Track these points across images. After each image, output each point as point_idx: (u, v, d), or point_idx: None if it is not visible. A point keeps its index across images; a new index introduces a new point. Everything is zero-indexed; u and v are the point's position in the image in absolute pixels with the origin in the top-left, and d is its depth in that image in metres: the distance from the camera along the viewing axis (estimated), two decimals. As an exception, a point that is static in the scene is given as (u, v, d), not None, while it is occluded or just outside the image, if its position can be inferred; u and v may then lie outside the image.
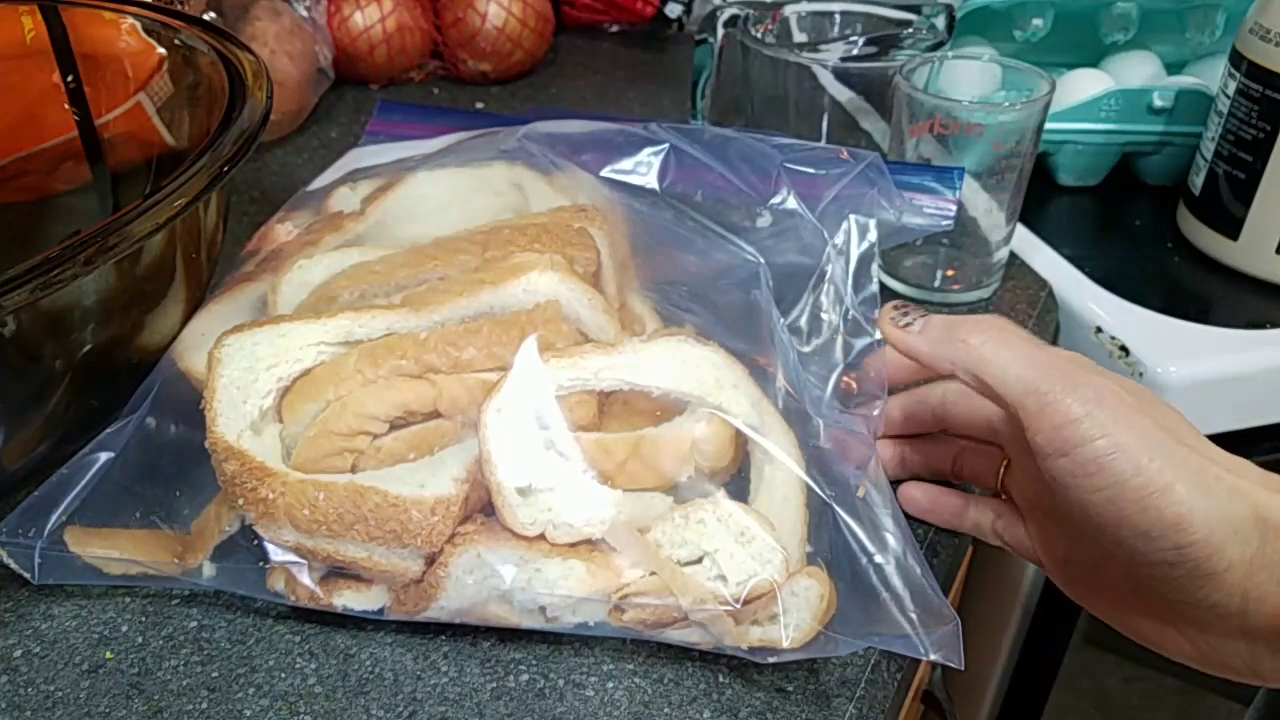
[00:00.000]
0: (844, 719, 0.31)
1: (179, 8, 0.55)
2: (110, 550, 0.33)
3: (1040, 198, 0.61)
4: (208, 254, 0.39)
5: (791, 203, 0.41)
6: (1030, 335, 0.32)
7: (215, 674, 0.32)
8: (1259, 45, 0.50)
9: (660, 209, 0.42)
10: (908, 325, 0.34)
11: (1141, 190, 0.63)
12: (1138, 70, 0.64)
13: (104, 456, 0.33)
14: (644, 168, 0.43)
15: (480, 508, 0.32)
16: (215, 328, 0.35)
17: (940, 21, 0.53)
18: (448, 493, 0.31)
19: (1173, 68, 0.65)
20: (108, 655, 0.33)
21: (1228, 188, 0.53)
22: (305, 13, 0.68)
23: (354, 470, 0.32)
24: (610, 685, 0.32)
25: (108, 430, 0.34)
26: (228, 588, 0.34)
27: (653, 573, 0.31)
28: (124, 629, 0.34)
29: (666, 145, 0.43)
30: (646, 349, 0.33)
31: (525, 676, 0.32)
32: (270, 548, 0.31)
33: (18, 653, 0.33)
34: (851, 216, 0.40)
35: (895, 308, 0.35)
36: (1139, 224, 0.60)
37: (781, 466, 0.33)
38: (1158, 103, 0.59)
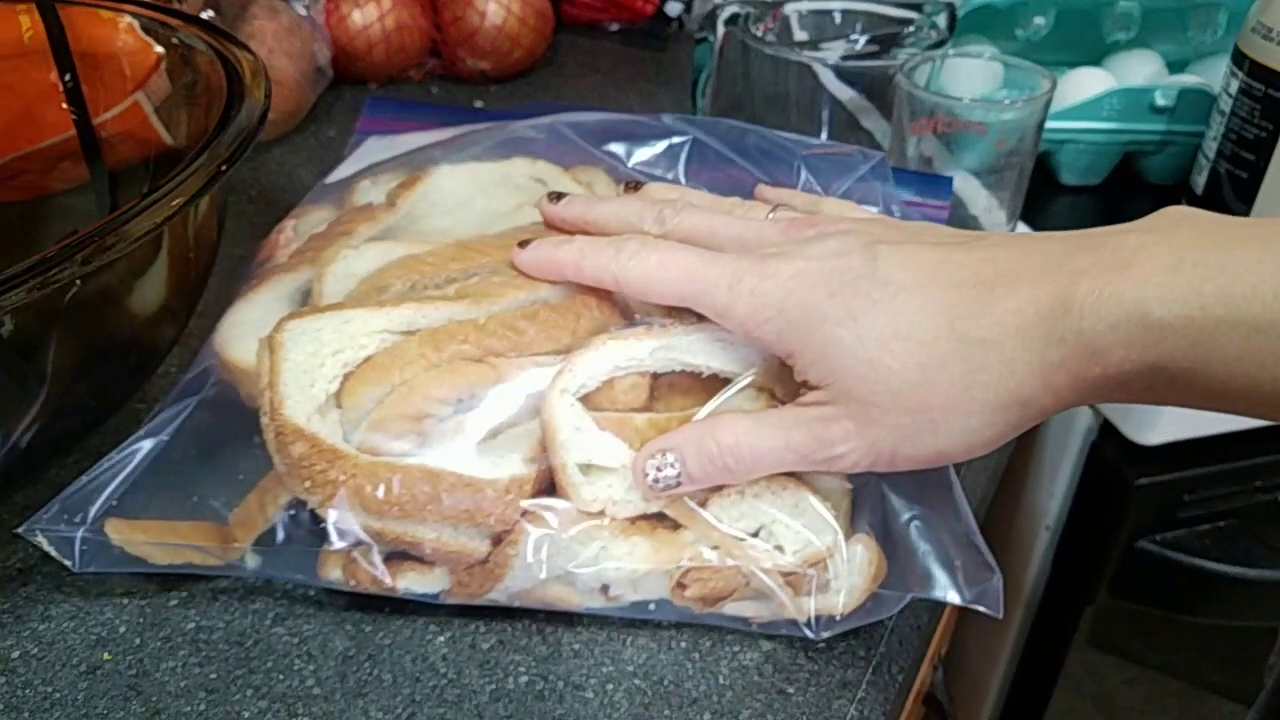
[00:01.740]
0: (845, 721, 0.31)
1: (177, 6, 0.54)
2: (152, 540, 0.33)
3: (1042, 197, 0.61)
4: (206, 254, 0.39)
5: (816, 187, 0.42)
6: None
7: (213, 675, 0.32)
8: (1261, 44, 0.50)
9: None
10: None
11: (1144, 189, 0.63)
12: (1140, 69, 0.64)
13: (148, 444, 0.33)
14: (668, 160, 0.44)
15: (544, 487, 0.32)
16: (254, 317, 0.36)
17: (942, 20, 0.53)
18: (520, 472, 0.31)
19: (1175, 67, 0.65)
20: (105, 656, 0.33)
21: (1230, 187, 0.53)
22: (303, 11, 0.68)
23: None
24: (610, 687, 0.32)
25: (151, 419, 0.34)
26: (275, 575, 0.34)
27: (714, 547, 0.32)
28: (122, 630, 0.33)
29: (690, 137, 0.44)
30: (697, 331, 0.33)
31: (524, 678, 0.32)
32: (334, 531, 0.31)
33: (15, 654, 0.33)
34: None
35: None
36: (1141, 223, 0.60)
37: None
38: (1160, 102, 0.58)
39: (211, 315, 0.48)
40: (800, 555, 0.31)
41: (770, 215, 0.35)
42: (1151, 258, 0.26)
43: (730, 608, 0.33)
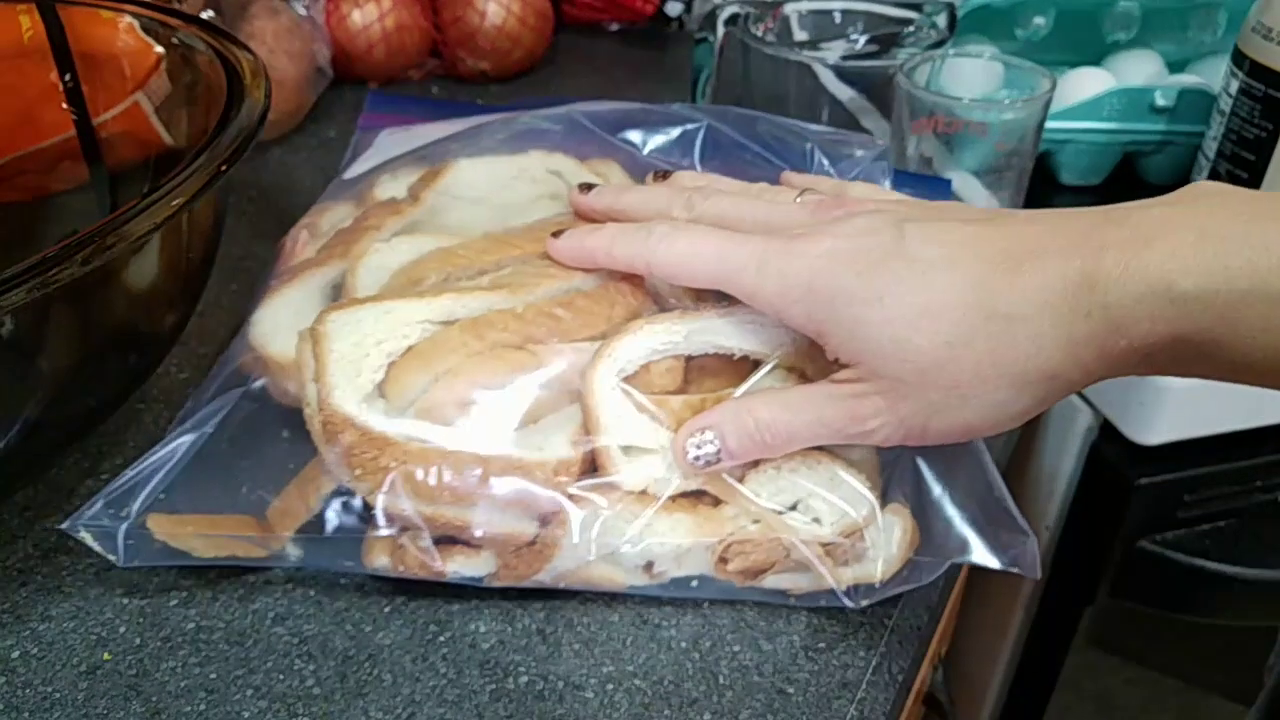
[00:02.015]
0: (845, 721, 0.31)
1: (177, 6, 0.54)
2: (196, 534, 0.33)
3: (1042, 197, 0.61)
4: (206, 254, 0.39)
5: (830, 169, 0.43)
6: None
7: (213, 675, 0.32)
8: (1261, 44, 0.50)
9: None
10: None
11: (1144, 189, 0.63)
12: (1140, 69, 0.64)
13: (190, 439, 0.33)
14: (683, 147, 0.44)
15: (587, 469, 0.33)
16: (288, 312, 0.36)
17: (942, 20, 0.53)
18: (567, 454, 0.32)
19: (1175, 66, 0.65)
20: (105, 656, 0.33)
21: (1230, 187, 0.53)
22: (303, 11, 0.68)
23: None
24: (610, 687, 0.32)
25: (192, 415, 0.34)
26: (318, 565, 0.34)
27: (754, 521, 0.33)
28: (122, 630, 0.33)
29: (703, 124, 0.44)
30: (730, 313, 0.34)
31: (525, 678, 0.32)
32: (383, 517, 0.32)
33: (15, 654, 0.33)
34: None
35: None
36: (1141, 223, 0.60)
37: None
38: (1160, 102, 0.58)
39: (211, 315, 0.48)
40: (837, 527, 0.32)
41: (798, 199, 0.35)
42: (1176, 231, 0.26)
43: (770, 581, 0.34)
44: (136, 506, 0.32)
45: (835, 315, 0.29)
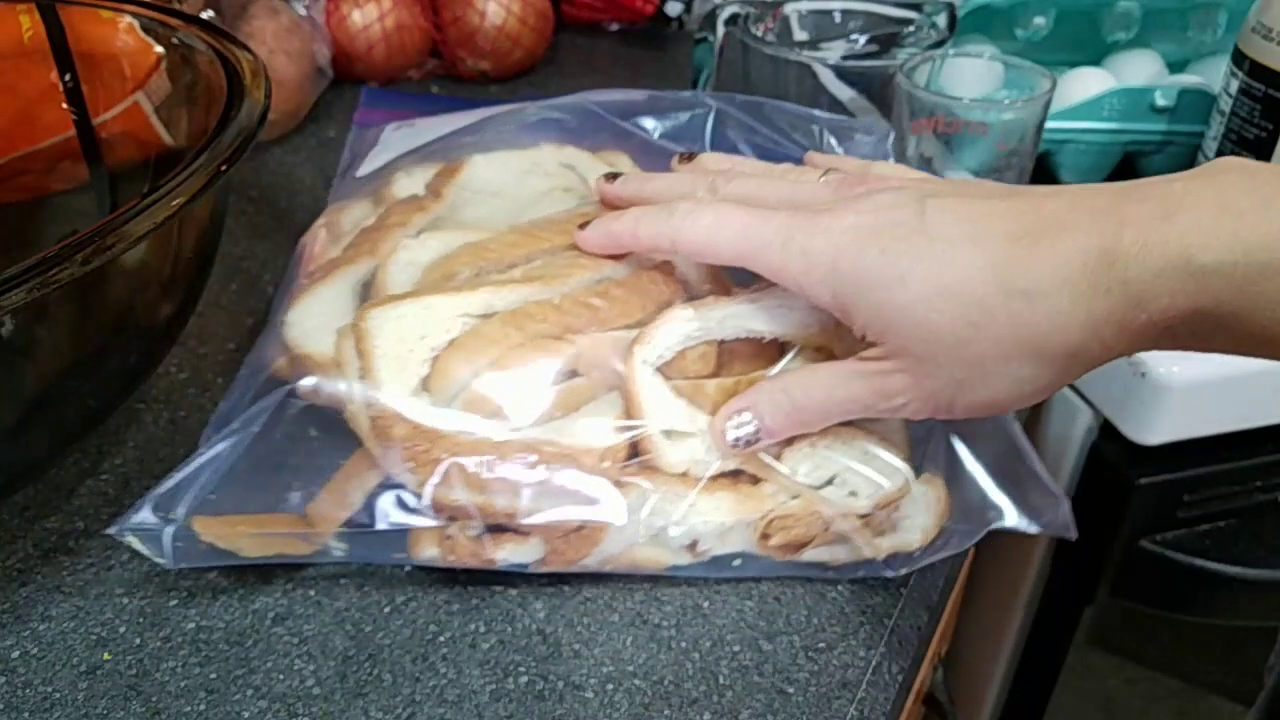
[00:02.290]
0: (845, 721, 0.31)
1: (177, 6, 0.54)
2: (241, 535, 0.33)
3: (1042, 197, 0.61)
4: (205, 254, 0.39)
5: (837, 148, 0.44)
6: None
7: (213, 675, 0.32)
8: (1261, 44, 0.50)
9: None
10: None
11: (1143, 189, 0.63)
12: (1140, 69, 0.64)
13: (233, 440, 0.33)
14: (694, 130, 0.45)
15: (630, 454, 0.34)
16: (322, 310, 0.37)
17: (942, 20, 0.53)
18: (612, 440, 0.33)
19: (1175, 66, 0.65)
20: (105, 656, 0.33)
21: (1230, 187, 0.53)
22: (303, 11, 0.67)
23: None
24: (610, 687, 0.32)
25: (233, 417, 0.34)
26: (364, 559, 0.34)
27: (793, 497, 0.34)
28: (121, 630, 0.33)
29: (713, 107, 0.45)
30: (759, 299, 0.35)
31: (525, 678, 0.32)
32: (434, 508, 0.32)
33: (15, 654, 0.33)
34: None
35: None
36: (1141, 223, 0.60)
37: None
38: (1160, 102, 0.58)
39: (211, 315, 0.48)
40: (873, 499, 0.34)
41: (822, 178, 0.36)
42: (1196, 204, 0.26)
43: (809, 554, 0.35)
44: (183, 509, 0.33)
45: (859, 295, 0.30)
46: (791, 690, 0.32)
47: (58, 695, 0.31)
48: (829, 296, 0.31)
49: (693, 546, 0.34)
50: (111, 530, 0.32)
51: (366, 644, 0.33)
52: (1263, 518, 0.59)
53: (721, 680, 0.32)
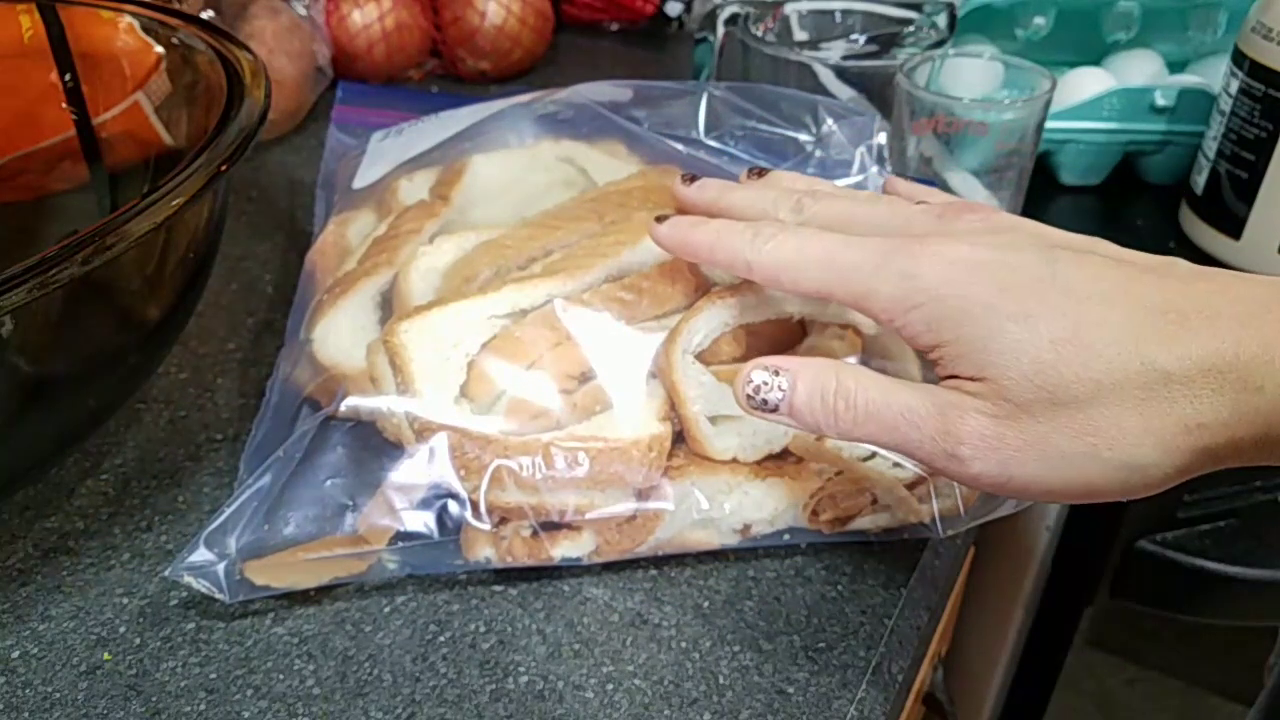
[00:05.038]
0: (845, 721, 0.31)
1: (177, 6, 0.54)
2: (292, 567, 0.33)
3: (1042, 197, 0.61)
4: (205, 254, 0.39)
5: (833, 127, 0.44)
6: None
7: (213, 675, 0.32)
8: (1261, 44, 0.50)
9: (702, 155, 0.45)
10: None
11: (1144, 189, 0.63)
12: (1140, 69, 0.64)
13: (274, 472, 0.33)
14: (687, 115, 0.46)
15: (676, 443, 0.34)
16: (348, 324, 0.38)
17: (942, 20, 0.53)
18: (659, 430, 0.34)
19: (1175, 66, 0.65)
20: (105, 656, 0.33)
21: (1230, 187, 0.53)
22: (303, 11, 0.68)
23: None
24: (610, 687, 0.32)
25: (271, 443, 0.34)
26: (418, 570, 0.34)
27: (838, 472, 0.35)
28: (121, 630, 0.33)
29: (704, 92, 0.46)
30: None
31: (525, 678, 0.32)
32: (488, 511, 0.33)
33: (15, 654, 0.33)
34: (861, 147, 0.44)
35: None
36: (1141, 223, 0.60)
37: (903, 368, 0.36)
38: (1160, 102, 0.58)
39: (211, 315, 0.48)
40: (917, 467, 0.34)
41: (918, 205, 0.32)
42: None
43: (861, 523, 0.36)
44: (234, 541, 0.33)
45: (963, 326, 0.26)
46: (791, 690, 0.32)
47: (58, 695, 0.31)
48: (922, 326, 0.27)
49: (745, 529, 0.35)
50: (167, 573, 0.33)
51: (366, 644, 0.33)
52: (1263, 518, 0.59)
53: (721, 680, 0.32)
